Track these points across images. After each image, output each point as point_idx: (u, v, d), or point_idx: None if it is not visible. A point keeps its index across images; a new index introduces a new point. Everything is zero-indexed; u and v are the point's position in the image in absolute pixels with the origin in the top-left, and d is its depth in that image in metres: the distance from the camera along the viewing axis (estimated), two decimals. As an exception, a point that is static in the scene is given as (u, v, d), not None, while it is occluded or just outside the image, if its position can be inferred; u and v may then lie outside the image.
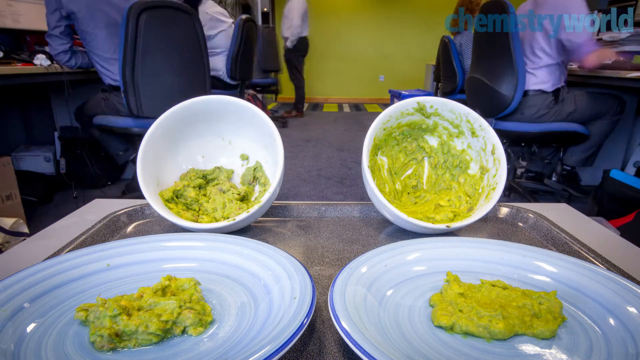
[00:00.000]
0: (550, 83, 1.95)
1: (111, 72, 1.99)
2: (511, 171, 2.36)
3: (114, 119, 2.03)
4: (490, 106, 2.05)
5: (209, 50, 3.08)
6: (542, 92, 1.96)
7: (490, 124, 2.17)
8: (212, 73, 3.14)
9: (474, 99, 2.24)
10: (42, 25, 2.25)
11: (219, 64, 3.12)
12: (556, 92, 1.96)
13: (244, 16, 3.17)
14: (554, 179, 2.37)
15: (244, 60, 3.19)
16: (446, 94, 3.63)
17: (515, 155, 2.30)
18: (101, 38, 1.92)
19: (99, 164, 2.60)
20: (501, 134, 2.11)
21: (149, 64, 1.82)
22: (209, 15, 2.99)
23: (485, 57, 2.10)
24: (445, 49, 3.49)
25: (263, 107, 4.98)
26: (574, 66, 2.18)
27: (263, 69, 4.65)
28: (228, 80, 3.18)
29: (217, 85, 3.16)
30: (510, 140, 2.15)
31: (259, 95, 5.06)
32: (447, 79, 3.63)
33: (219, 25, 3.05)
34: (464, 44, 3.38)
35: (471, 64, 2.30)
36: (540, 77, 1.94)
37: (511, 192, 2.39)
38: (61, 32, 1.90)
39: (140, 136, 2.16)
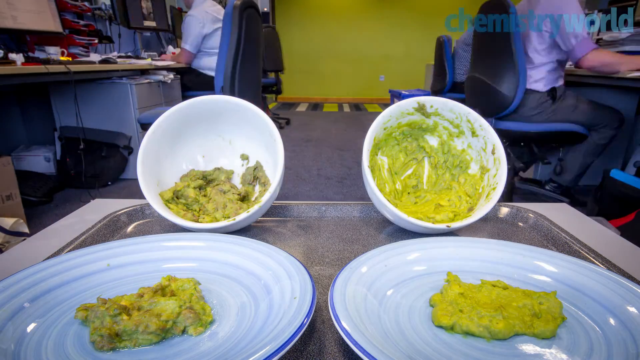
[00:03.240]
0: (543, 83, 1.95)
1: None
2: (511, 172, 2.36)
3: None
4: (490, 105, 2.05)
5: (207, 50, 3.08)
6: (536, 91, 1.96)
7: (490, 123, 2.15)
8: (208, 72, 3.15)
9: (473, 98, 2.24)
10: (42, 25, 2.25)
11: (214, 64, 3.13)
12: (552, 92, 1.96)
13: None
14: (548, 188, 2.36)
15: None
16: (435, 93, 3.65)
17: (515, 155, 2.29)
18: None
19: (99, 164, 2.60)
20: (501, 133, 2.10)
21: (245, 61, 1.89)
22: (209, 15, 2.97)
23: (486, 56, 2.09)
24: (440, 49, 3.51)
25: (265, 108, 4.97)
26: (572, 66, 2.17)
27: (264, 70, 4.65)
28: None
29: (213, 86, 3.17)
30: (510, 140, 2.15)
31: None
32: (437, 78, 3.65)
33: (218, 24, 3.05)
34: (467, 41, 3.39)
35: (471, 63, 2.29)
36: (534, 77, 1.95)
37: (513, 194, 2.37)
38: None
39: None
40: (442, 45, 3.48)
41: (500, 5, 1.85)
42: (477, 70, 2.17)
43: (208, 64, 3.10)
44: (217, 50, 3.22)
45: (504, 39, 1.87)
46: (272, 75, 4.90)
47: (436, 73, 3.69)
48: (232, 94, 1.92)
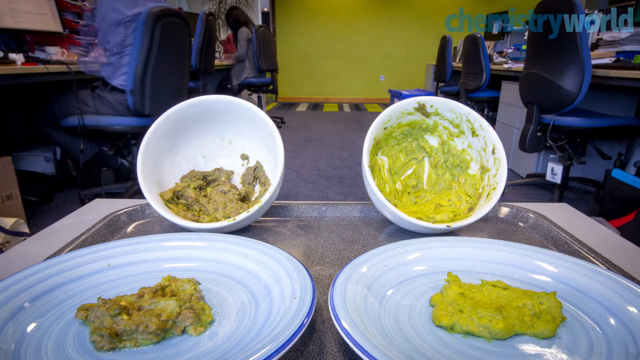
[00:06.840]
0: None
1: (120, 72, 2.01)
2: (565, 170, 2.30)
3: (108, 119, 2.06)
4: (552, 101, 2.05)
5: None
6: None
7: (549, 120, 2.09)
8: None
9: (530, 95, 2.21)
10: (42, 25, 2.25)
11: None
12: None
13: (206, 10, 3.21)
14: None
15: (207, 53, 3.29)
16: (469, 92, 3.58)
17: (573, 151, 2.24)
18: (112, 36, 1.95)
19: (99, 164, 2.60)
20: (559, 129, 2.12)
21: (159, 66, 2.01)
22: None
23: (547, 53, 2.06)
24: (476, 45, 3.41)
25: (261, 108, 4.91)
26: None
27: (259, 69, 4.63)
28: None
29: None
30: (569, 136, 2.15)
31: (255, 96, 5.02)
32: (472, 76, 3.54)
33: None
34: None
35: (527, 60, 2.26)
36: None
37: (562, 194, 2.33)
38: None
39: (138, 135, 2.15)
40: (477, 42, 3.39)
41: (569, 5, 1.83)
42: (536, 67, 2.13)
43: None
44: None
45: (570, 36, 1.85)
46: (268, 75, 4.88)
47: (470, 71, 3.58)
48: (142, 97, 1.99)
